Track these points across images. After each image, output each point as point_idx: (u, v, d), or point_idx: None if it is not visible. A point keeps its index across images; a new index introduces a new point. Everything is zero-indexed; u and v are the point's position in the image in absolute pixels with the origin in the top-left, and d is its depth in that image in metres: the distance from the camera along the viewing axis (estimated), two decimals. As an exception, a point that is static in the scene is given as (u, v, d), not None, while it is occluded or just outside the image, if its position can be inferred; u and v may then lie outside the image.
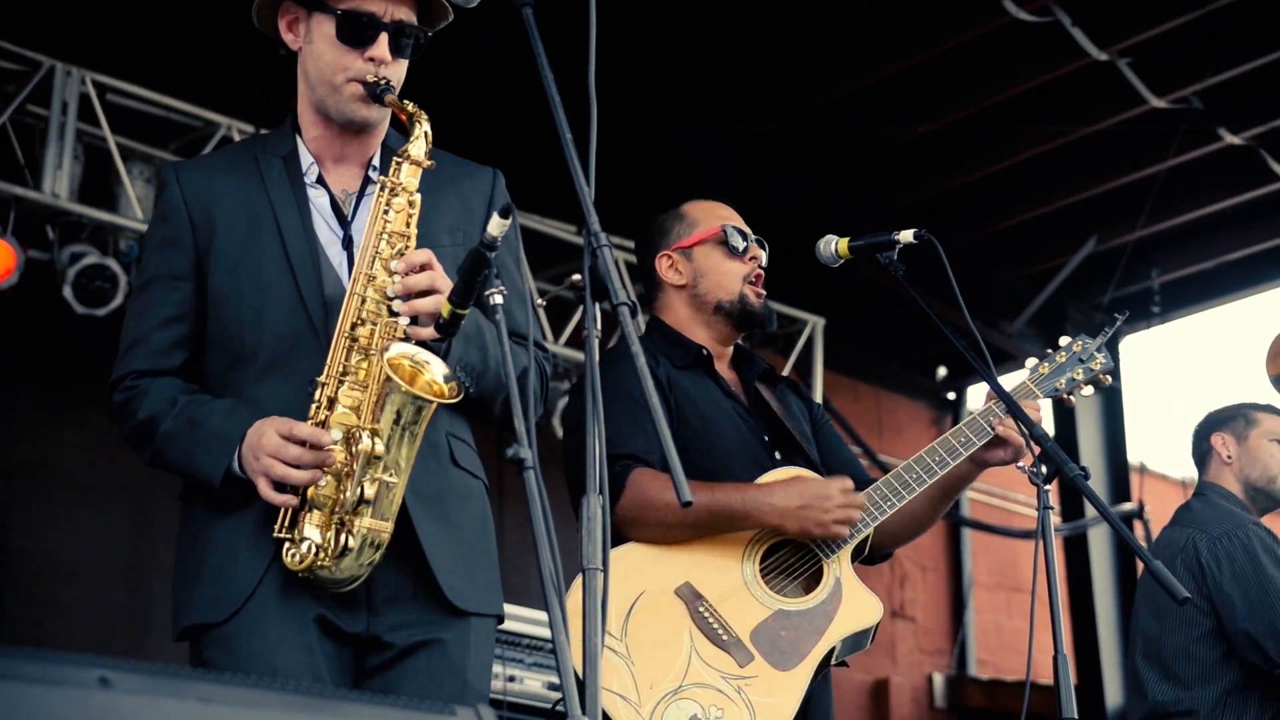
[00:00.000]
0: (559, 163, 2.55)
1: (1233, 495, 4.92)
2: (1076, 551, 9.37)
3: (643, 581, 3.49)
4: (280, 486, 2.87)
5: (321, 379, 2.94)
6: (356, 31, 3.04)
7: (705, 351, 3.82)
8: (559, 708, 4.79)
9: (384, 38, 3.05)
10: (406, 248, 2.99)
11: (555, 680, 5.29)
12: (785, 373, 7.31)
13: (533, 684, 5.81)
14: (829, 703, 3.69)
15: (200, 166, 3.25)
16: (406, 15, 3.09)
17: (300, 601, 2.93)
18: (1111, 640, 9.13)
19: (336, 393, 2.93)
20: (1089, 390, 3.86)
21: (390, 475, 2.88)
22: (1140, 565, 4.15)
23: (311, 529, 2.89)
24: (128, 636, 7.30)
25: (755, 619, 3.49)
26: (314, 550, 2.88)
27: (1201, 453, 5.06)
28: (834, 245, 3.71)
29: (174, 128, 7.15)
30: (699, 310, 3.86)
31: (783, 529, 3.53)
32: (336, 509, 2.88)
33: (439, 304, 2.86)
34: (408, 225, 3.01)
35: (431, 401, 2.87)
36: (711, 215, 3.91)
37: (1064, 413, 9.35)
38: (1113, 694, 9.00)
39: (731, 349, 3.94)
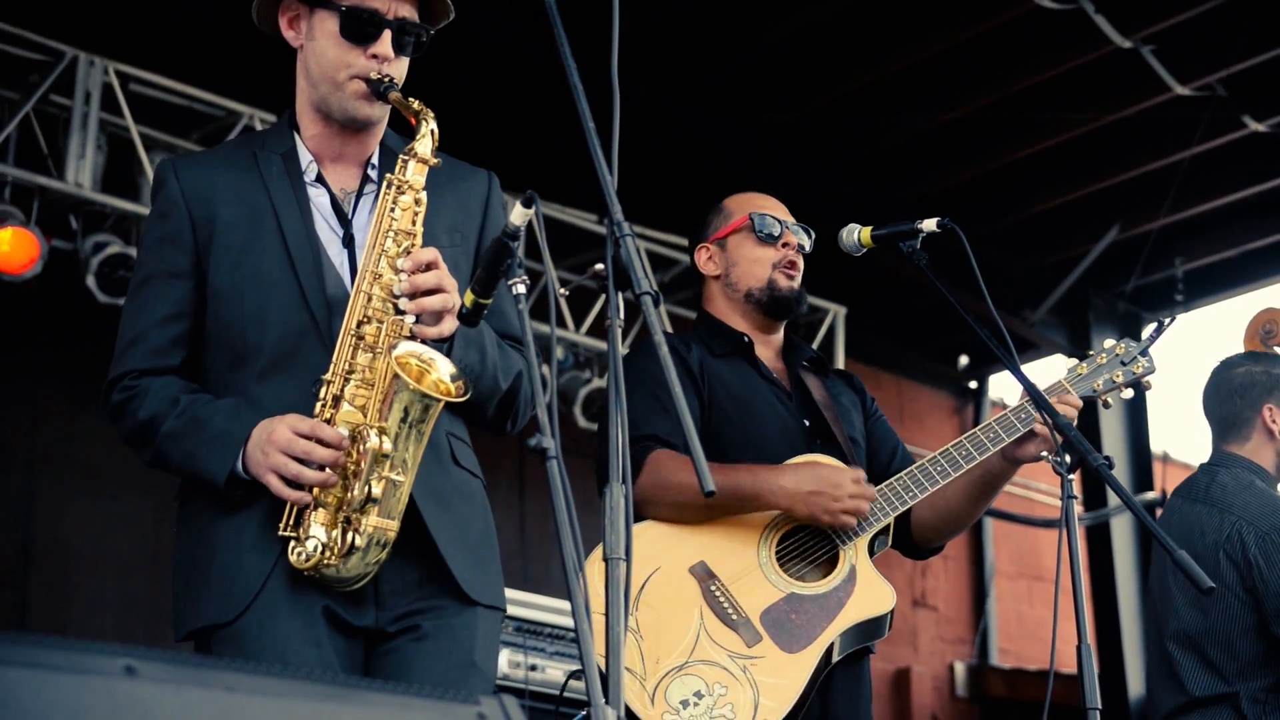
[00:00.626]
0: (580, 152, 2.54)
1: (1264, 470, 4.45)
2: (1099, 541, 9.35)
3: (658, 558, 3.50)
4: (291, 484, 2.85)
5: (327, 377, 2.92)
6: (360, 28, 3.03)
7: (746, 339, 3.83)
8: (566, 693, 4.84)
9: (387, 35, 3.03)
10: (412, 246, 2.97)
11: (577, 667, 5.28)
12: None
13: (554, 673, 5.81)
14: (858, 694, 3.65)
15: (198, 163, 3.21)
16: (409, 13, 3.08)
17: (308, 595, 2.90)
18: (1134, 629, 9.11)
19: (342, 391, 2.90)
20: (1129, 393, 3.83)
21: (397, 474, 2.86)
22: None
23: (317, 527, 2.86)
24: (150, 626, 7.30)
25: (767, 600, 3.50)
26: (320, 549, 2.85)
27: (1237, 418, 4.48)
28: (856, 234, 3.71)
29: (197, 117, 7.16)
30: (733, 299, 3.88)
31: (792, 512, 3.54)
32: (343, 507, 2.87)
33: (445, 303, 2.86)
34: (414, 223, 2.99)
35: (439, 400, 2.85)
36: (745, 205, 3.92)
37: (1087, 403, 9.30)
38: (1135, 683, 8.99)
39: (779, 339, 3.94)
